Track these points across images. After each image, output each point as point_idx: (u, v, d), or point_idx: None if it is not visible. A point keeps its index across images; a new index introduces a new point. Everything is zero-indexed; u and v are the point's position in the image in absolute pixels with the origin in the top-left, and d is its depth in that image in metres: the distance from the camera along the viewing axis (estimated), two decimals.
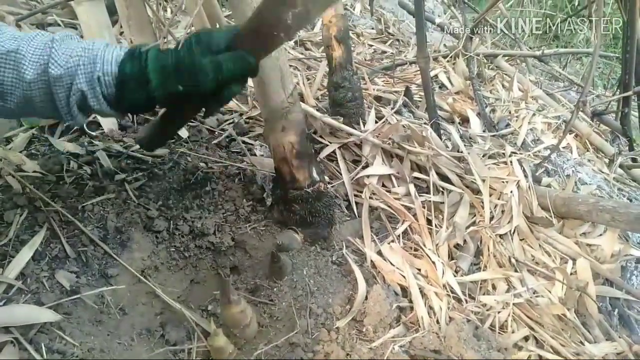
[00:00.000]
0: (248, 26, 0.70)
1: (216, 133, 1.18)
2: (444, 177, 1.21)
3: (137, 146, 1.06)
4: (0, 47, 0.67)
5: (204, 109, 0.78)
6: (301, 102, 1.12)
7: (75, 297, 0.77)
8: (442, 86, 1.83)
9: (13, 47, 0.68)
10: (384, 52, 2.15)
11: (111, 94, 0.72)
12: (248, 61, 0.70)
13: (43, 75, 0.68)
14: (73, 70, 0.69)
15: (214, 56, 0.69)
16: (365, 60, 1.94)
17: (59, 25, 1.59)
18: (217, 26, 1.29)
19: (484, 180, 1.19)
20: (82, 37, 1.41)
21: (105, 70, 0.70)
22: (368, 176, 1.17)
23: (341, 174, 1.18)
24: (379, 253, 1.04)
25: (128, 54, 0.72)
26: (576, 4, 3.86)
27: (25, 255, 0.80)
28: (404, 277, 0.99)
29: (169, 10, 1.93)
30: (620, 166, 1.72)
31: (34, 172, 0.95)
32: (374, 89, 1.57)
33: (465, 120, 1.59)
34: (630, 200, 1.56)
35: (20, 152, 1.01)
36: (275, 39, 0.70)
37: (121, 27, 1.38)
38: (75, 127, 1.07)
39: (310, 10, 0.67)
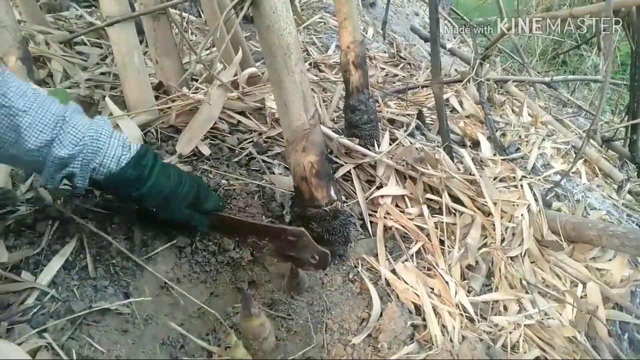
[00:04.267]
0: (224, 217, 0.98)
1: (236, 151, 1.22)
2: (456, 199, 1.24)
3: None
4: (8, 103, 0.70)
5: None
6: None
7: (103, 306, 0.80)
8: (453, 110, 1.88)
9: (19, 106, 0.71)
10: (396, 75, 2.21)
11: (99, 179, 0.80)
12: (204, 230, 0.97)
13: (43, 149, 0.74)
14: (75, 155, 0.76)
15: (194, 211, 0.92)
16: (377, 83, 1.99)
17: (86, 44, 1.66)
18: (240, 51, 1.35)
19: (495, 203, 1.22)
20: (109, 56, 1.47)
21: (104, 163, 0.79)
22: (382, 196, 1.20)
23: (356, 194, 1.21)
24: (393, 272, 1.06)
25: (136, 158, 0.82)
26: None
27: (56, 264, 0.83)
28: (417, 295, 1.01)
29: (189, 31, 2.00)
30: (629, 192, 1.74)
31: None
32: (387, 112, 1.61)
33: (475, 144, 1.63)
34: (639, 226, 1.58)
35: None
36: (229, 237, 1.01)
37: (147, 46, 1.45)
38: None
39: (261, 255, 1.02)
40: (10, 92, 0.71)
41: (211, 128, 1.22)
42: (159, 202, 0.86)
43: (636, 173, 1.87)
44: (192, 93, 1.22)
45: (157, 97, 1.29)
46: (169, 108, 1.23)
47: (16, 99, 0.71)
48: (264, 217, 1.07)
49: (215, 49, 1.74)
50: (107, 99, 1.16)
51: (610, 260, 1.22)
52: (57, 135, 0.74)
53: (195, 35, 1.97)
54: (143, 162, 0.83)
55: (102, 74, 1.54)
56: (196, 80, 1.38)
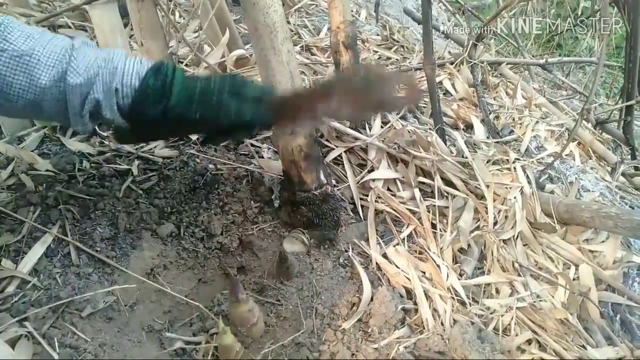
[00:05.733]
0: (283, 98, 0.79)
1: None
2: (448, 182, 1.22)
3: (148, 147, 1.08)
4: (12, 47, 0.67)
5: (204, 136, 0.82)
6: None
7: (87, 294, 0.79)
8: (446, 92, 1.85)
9: (26, 48, 0.67)
10: (389, 58, 2.17)
11: (126, 105, 0.73)
12: (267, 121, 0.78)
13: (59, 82, 0.69)
14: (92, 79, 0.70)
15: (240, 102, 0.75)
16: None
17: (70, 27, 1.61)
18: (227, 32, 1.31)
19: (488, 186, 1.21)
20: (93, 39, 1.44)
21: (125, 82, 0.72)
22: (373, 180, 1.18)
23: (347, 178, 1.19)
24: (384, 256, 1.05)
25: (154, 68, 0.74)
26: (579, 13, 3.88)
27: (37, 251, 0.81)
28: (408, 279, 1.00)
29: (177, 13, 1.95)
30: (623, 174, 1.73)
31: (47, 170, 0.97)
32: None
33: (469, 127, 1.61)
34: (632, 208, 1.57)
35: (33, 151, 1.03)
36: (301, 121, 0.80)
37: (132, 29, 1.41)
38: None
39: (342, 114, 0.81)
40: (11, 36, 0.67)
41: None
42: (197, 104, 0.74)
43: (630, 155, 1.86)
44: None
45: None
46: None
47: (20, 42, 0.67)
48: (252, 202, 1.05)
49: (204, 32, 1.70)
50: None
51: (603, 242, 1.21)
52: (69, 64, 0.70)
53: (183, 18, 1.92)
54: (162, 69, 0.75)
55: None
56: (181, 63, 1.34)
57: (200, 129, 0.78)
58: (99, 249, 0.86)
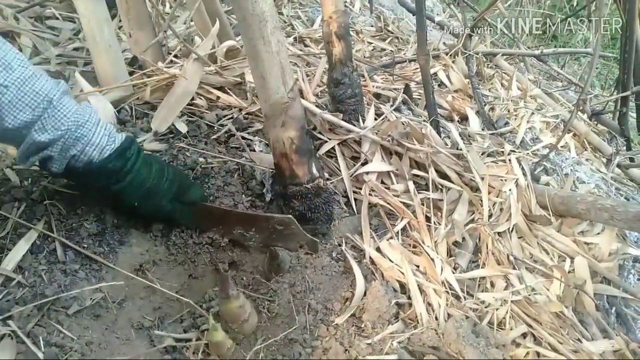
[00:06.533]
0: (209, 209, 0.95)
1: (215, 128, 1.17)
2: (443, 175, 1.21)
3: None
4: None
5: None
6: (301, 98, 1.11)
7: (73, 292, 0.77)
8: (441, 84, 1.83)
9: (0, 80, 0.66)
10: (383, 49, 2.15)
11: (74, 167, 0.75)
12: (187, 223, 0.94)
13: (22, 130, 0.70)
14: (55, 140, 0.71)
15: (174, 204, 0.88)
16: (364, 57, 1.94)
17: (57, 18, 1.59)
18: (217, 22, 1.28)
19: (483, 178, 1.19)
20: (81, 31, 1.41)
21: (86, 151, 0.75)
22: (367, 173, 1.17)
23: (340, 171, 1.17)
24: (378, 249, 1.04)
25: (119, 150, 0.78)
26: (575, 4, 3.86)
27: (22, 248, 0.79)
28: (402, 273, 0.98)
29: (167, 4, 1.92)
30: (618, 166, 1.72)
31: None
32: (373, 86, 1.56)
33: (464, 119, 1.59)
34: (628, 200, 1.57)
35: None
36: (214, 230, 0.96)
37: (120, 21, 1.38)
38: None
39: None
40: None
41: (188, 104, 1.17)
42: (140, 196, 0.83)
43: (625, 146, 1.85)
44: (166, 67, 1.17)
45: (131, 73, 1.23)
46: (143, 84, 1.18)
47: None
48: (243, 195, 1.03)
49: (194, 23, 1.67)
50: (76, 74, 1.11)
51: (598, 234, 1.20)
52: (40, 118, 0.69)
53: (176, 10, 1.89)
54: (127, 154, 0.79)
55: (75, 49, 1.47)
56: (170, 54, 1.32)
57: (136, 210, 0.86)
58: (85, 245, 0.84)
